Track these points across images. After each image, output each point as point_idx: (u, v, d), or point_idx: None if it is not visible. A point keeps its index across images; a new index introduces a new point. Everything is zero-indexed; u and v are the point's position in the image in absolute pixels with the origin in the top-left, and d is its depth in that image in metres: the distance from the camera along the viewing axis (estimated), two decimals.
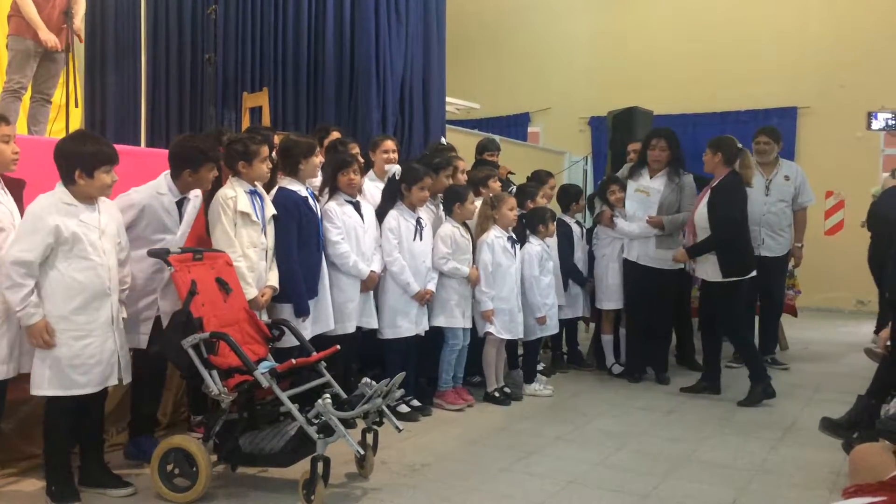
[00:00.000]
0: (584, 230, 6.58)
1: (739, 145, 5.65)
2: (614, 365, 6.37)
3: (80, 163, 3.39)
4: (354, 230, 4.80)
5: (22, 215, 3.50)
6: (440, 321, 5.25)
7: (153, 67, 7.70)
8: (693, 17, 11.72)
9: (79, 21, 6.01)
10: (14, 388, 3.54)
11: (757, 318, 6.89)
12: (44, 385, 3.37)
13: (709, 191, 5.64)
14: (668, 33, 11.85)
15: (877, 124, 8.52)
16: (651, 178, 6.18)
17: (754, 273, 5.64)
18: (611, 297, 6.31)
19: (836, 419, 4.06)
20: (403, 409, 4.95)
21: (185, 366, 3.62)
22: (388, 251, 4.99)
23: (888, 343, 4.15)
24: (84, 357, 3.39)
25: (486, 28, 12.91)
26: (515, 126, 12.55)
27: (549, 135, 12.69)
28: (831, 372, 6.65)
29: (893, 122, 8.34)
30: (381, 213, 5.05)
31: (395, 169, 5.06)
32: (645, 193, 6.14)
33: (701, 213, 5.61)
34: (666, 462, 4.26)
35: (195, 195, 4.12)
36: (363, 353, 5.18)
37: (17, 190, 3.66)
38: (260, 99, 7.15)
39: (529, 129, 12.92)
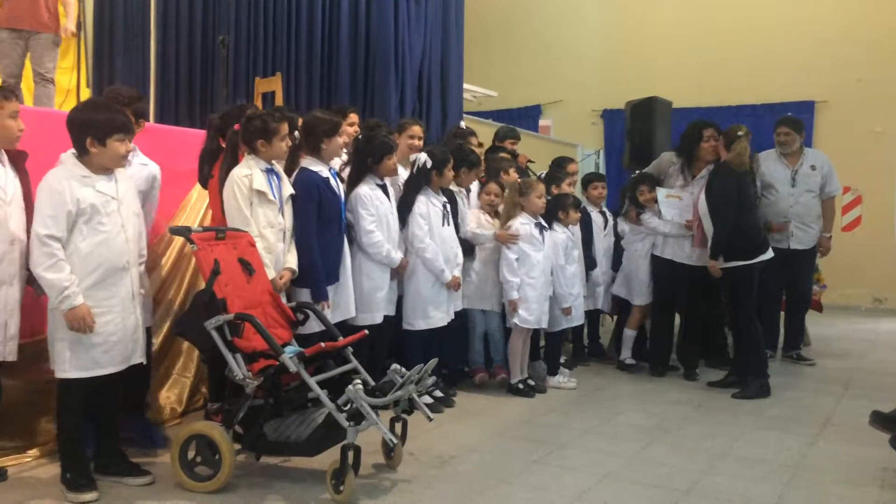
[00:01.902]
0: (608, 221, 6.39)
1: (740, 132, 5.43)
2: (627, 359, 6.18)
3: (92, 130, 3.23)
4: (386, 217, 4.65)
5: (24, 187, 3.36)
6: (464, 303, 5.23)
7: (162, 50, 7.50)
8: (708, 9, 11.53)
9: (72, 23, 5.86)
10: (35, 368, 3.38)
11: (782, 314, 6.76)
12: (65, 367, 3.21)
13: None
14: (683, 26, 11.66)
15: None
16: (693, 177, 6.00)
17: (766, 256, 5.43)
18: (641, 293, 6.14)
19: (888, 413, 3.89)
20: (426, 399, 4.77)
21: (208, 349, 3.46)
22: (420, 237, 4.82)
23: None
24: (105, 335, 3.23)
25: (498, 20, 12.72)
26: (527, 118, 12.34)
27: (561, 127, 12.48)
28: (859, 368, 6.48)
29: None
30: (405, 204, 4.85)
31: (424, 157, 4.87)
32: (677, 198, 5.99)
33: (702, 200, 5.50)
34: (703, 457, 4.09)
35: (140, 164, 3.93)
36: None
37: (20, 162, 3.49)
38: (273, 84, 6.95)
39: (541, 122, 12.72)
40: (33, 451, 3.69)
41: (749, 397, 5.28)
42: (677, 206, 5.92)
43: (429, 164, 4.84)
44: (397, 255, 4.69)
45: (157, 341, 4.27)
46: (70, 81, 6.66)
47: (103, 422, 3.46)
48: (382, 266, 4.65)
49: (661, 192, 6.00)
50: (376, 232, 4.56)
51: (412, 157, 5.01)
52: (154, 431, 4.02)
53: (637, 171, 6.83)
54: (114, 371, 3.29)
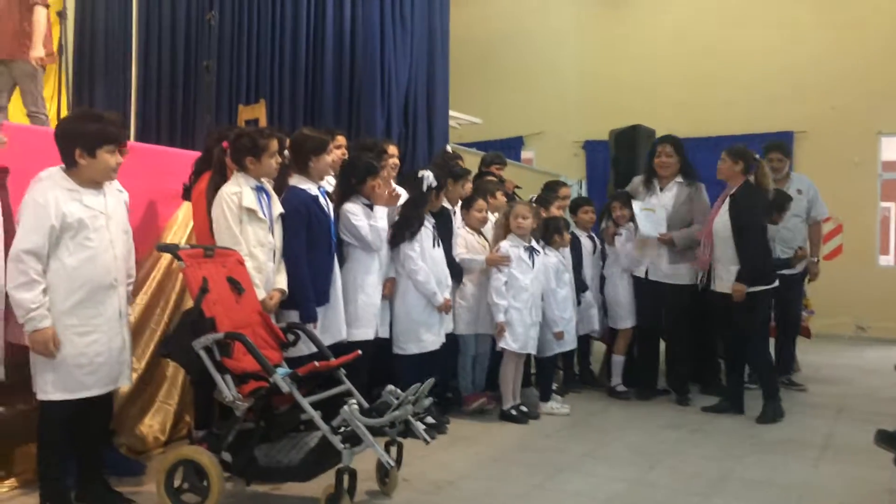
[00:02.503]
0: (596, 246, 6.33)
1: (756, 155, 5.52)
2: (619, 385, 6.07)
3: (81, 141, 3.11)
4: None
5: (3, 204, 3.23)
6: (461, 328, 5.19)
7: (144, 76, 7.41)
8: (688, 41, 11.65)
9: (36, 50, 5.49)
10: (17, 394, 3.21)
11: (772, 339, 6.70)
12: (48, 389, 3.05)
13: (727, 199, 5.46)
14: (663, 58, 11.76)
15: None
16: (661, 189, 5.99)
17: (777, 283, 5.44)
18: (624, 316, 6.06)
19: (892, 431, 3.81)
20: (419, 426, 4.62)
21: (196, 370, 3.31)
22: (413, 259, 4.71)
23: None
24: (90, 355, 3.08)
25: (479, 52, 12.75)
26: (509, 149, 12.29)
27: (543, 159, 12.50)
28: (851, 393, 6.42)
29: None
30: (413, 219, 4.74)
31: (430, 177, 4.77)
32: (651, 211, 5.96)
33: (722, 221, 5.40)
34: (706, 480, 3.98)
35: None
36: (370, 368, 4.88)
37: (1, 179, 3.37)
38: (256, 111, 6.85)
39: (523, 154, 12.73)
40: (10, 482, 3.49)
41: (768, 421, 5.21)
42: (652, 218, 5.90)
43: (434, 185, 4.76)
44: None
45: (140, 366, 4.11)
46: (50, 110, 6.54)
47: (87, 448, 3.29)
48: (376, 280, 4.54)
49: (636, 206, 5.98)
50: (368, 232, 4.44)
51: (420, 173, 4.90)
52: (123, 459, 3.84)
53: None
54: (99, 393, 3.14)
